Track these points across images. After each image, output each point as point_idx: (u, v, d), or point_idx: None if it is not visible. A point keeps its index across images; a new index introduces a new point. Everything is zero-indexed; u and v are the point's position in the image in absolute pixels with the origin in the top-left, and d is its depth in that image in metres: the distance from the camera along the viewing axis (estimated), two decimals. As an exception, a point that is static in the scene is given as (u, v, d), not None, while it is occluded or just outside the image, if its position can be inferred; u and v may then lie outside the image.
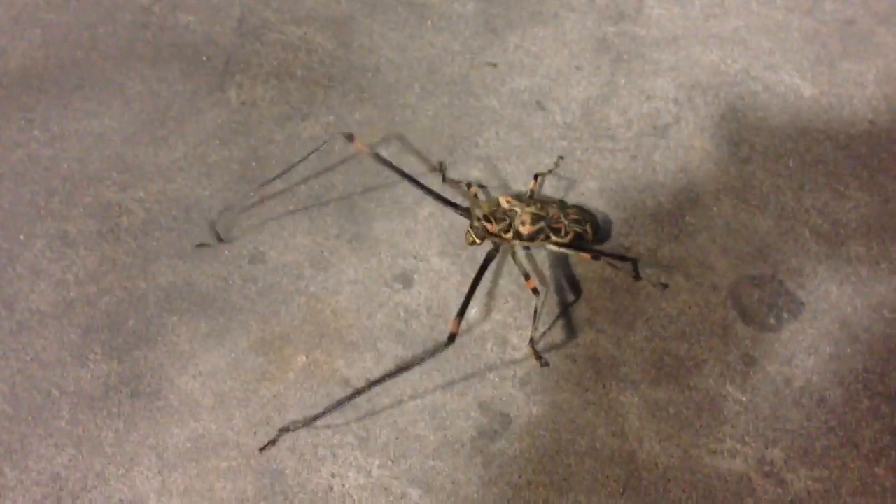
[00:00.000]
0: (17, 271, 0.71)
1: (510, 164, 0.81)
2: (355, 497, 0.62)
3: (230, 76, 0.86)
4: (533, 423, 0.66)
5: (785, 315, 0.72)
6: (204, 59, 0.87)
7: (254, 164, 0.80)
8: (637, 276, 0.74)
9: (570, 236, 0.71)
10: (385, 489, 0.63)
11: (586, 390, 0.68)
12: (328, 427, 0.65)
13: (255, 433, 0.65)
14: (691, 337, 0.71)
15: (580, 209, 0.74)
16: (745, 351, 0.70)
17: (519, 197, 0.74)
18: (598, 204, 0.78)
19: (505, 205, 0.71)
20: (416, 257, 0.74)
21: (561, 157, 0.81)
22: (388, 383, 0.67)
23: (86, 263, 0.72)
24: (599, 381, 0.68)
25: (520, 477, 0.64)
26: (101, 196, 0.76)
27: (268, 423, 0.65)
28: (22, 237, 0.73)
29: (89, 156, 0.79)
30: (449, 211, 0.76)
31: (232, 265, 0.73)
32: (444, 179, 0.79)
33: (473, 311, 0.72)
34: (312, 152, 0.76)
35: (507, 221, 0.70)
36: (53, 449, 0.63)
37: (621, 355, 0.70)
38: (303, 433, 0.65)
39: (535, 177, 0.77)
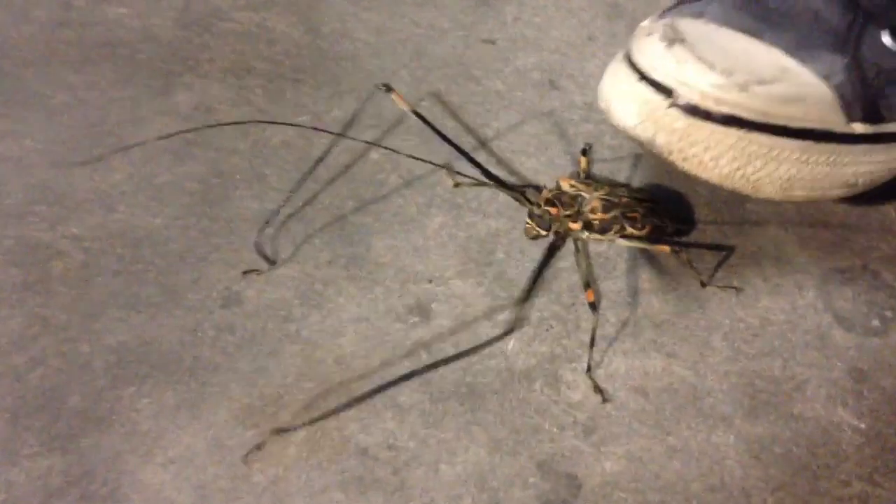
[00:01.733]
0: (-81, 344, 0.55)
1: (529, 157, 0.66)
2: None
3: (176, 77, 0.70)
4: (609, 483, 0.52)
5: (889, 314, 0.59)
6: (142, 58, 0.71)
7: (215, 180, 0.64)
8: (705, 281, 0.59)
9: (647, 229, 0.57)
10: None
11: (668, 433, 0.54)
12: (347, 515, 0.50)
13: (252, 534, 0.49)
14: (784, 352, 0.57)
15: (651, 194, 0.61)
16: (852, 363, 0.57)
17: (580, 179, 0.59)
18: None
19: (568, 188, 0.56)
20: (431, 281, 0.59)
21: (589, 145, 0.66)
22: (417, 447, 0.52)
23: (9, 326, 0.56)
24: (682, 419, 0.54)
25: (604, 558, 0.49)
26: (26, 237, 0.60)
27: (268, 519, 0.50)
28: (-77, 299, 0.57)
29: (6, 187, 0.62)
30: (465, 220, 0.61)
31: (200, 312, 0.57)
32: (456, 183, 0.64)
33: (511, 344, 0.57)
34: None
35: (575, 208, 0.55)
36: (-20, 587, 0.47)
37: (702, 383, 0.56)
38: (315, 526, 0.49)
39: (583, 152, 0.63)
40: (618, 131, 0.55)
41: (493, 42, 0.74)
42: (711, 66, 0.50)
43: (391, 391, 0.55)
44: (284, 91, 0.70)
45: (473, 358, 0.56)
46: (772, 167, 0.52)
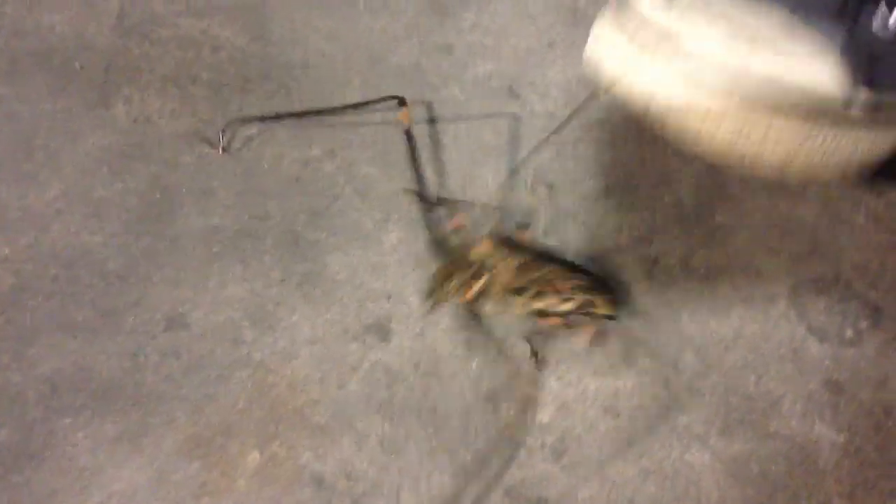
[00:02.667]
0: None
1: (489, 168, 0.64)
2: None
3: (114, 87, 0.66)
4: (581, 509, 0.49)
5: (863, 324, 0.57)
6: (77, 67, 0.67)
7: (158, 195, 0.60)
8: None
9: (568, 304, 0.53)
10: None
11: (641, 455, 0.51)
12: (304, 553, 0.46)
13: (200, 577, 0.45)
14: (757, 366, 0.55)
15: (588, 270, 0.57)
16: (828, 376, 0.55)
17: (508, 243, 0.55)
18: (607, 206, 0.61)
19: (484, 251, 0.53)
20: (389, 298, 0.56)
21: (527, 224, 0.62)
22: (377, 475, 0.49)
23: (-68, 355, 0.51)
24: (655, 439, 0.52)
25: (579, 590, 0.46)
26: (-51, 258, 0.56)
27: (217, 559, 0.46)
28: None
29: (-71, 205, 0.58)
30: (424, 235, 0.58)
31: (142, 336, 0.53)
32: (422, 199, 0.60)
33: (474, 364, 0.54)
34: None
35: (478, 269, 0.52)
36: None
37: (673, 401, 0.53)
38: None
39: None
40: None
41: (449, 49, 0.71)
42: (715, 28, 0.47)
43: (347, 416, 0.51)
44: (231, 101, 0.67)
45: (434, 379, 0.53)
46: (772, 137, 0.49)
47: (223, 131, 0.60)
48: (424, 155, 0.63)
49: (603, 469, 0.50)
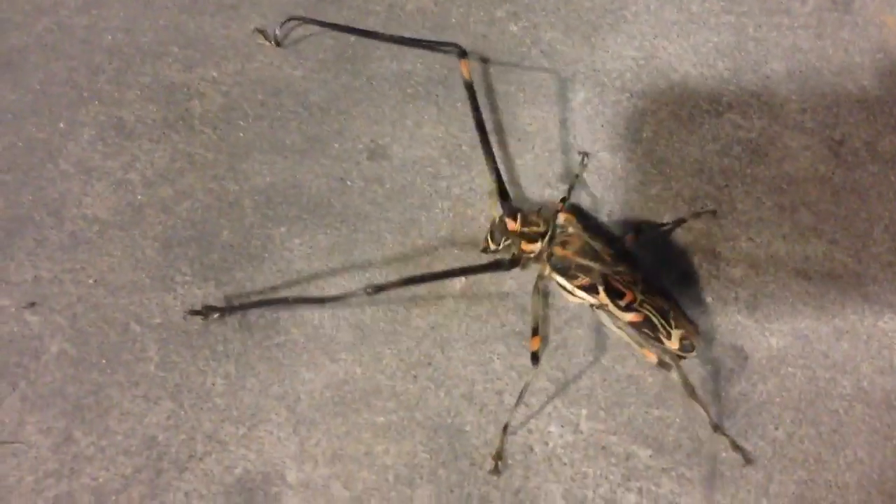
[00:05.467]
0: (62, 168, 0.53)
1: (670, 42, 0.64)
2: (565, 459, 0.45)
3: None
4: (776, 357, 0.50)
5: None
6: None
7: (352, 40, 0.61)
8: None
9: (633, 315, 0.47)
10: (603, 448, 0.46)
11: (833, 315, 0.52)
12: (511, 368, 0.48)
13: (414, 376, 0.47)
14: (947, 247, 0.55)
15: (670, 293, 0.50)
16: None
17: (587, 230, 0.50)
18: (789, 88, 0.61)
19: (561, 220, 0.49)
20: (579, 152, 0.57)
21: (586, 154, 0.60)
22: (575, 308, 0.50)
23: (153, 159, 0.54)
24: (846, 303, 0.52)
25: (776, 429, 0.48)
26: (162, 75, 0.57)
27: (430, 364, 0.48)
28: (62, 125, 0.54)
29: (138, 26, 0.60)
30: (610, 98, 0.59)
31: (347, 162, 0.55)
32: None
33: (665, 217, 0.55)
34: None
35: (541, 229, 0.48)
36: (142, 403, 0.46)
37: (865, 271, 0.54)
38: (478, 375, 0.47)
39: (563, 201, 0.54)
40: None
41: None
42: None
43: (548, 252, 0.52)
44: (417, -40, 0.67)
45: (628, 229, 0.54)
46: None
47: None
48: (606, 28, 0.63)
49: (796, 325, 0.51)
